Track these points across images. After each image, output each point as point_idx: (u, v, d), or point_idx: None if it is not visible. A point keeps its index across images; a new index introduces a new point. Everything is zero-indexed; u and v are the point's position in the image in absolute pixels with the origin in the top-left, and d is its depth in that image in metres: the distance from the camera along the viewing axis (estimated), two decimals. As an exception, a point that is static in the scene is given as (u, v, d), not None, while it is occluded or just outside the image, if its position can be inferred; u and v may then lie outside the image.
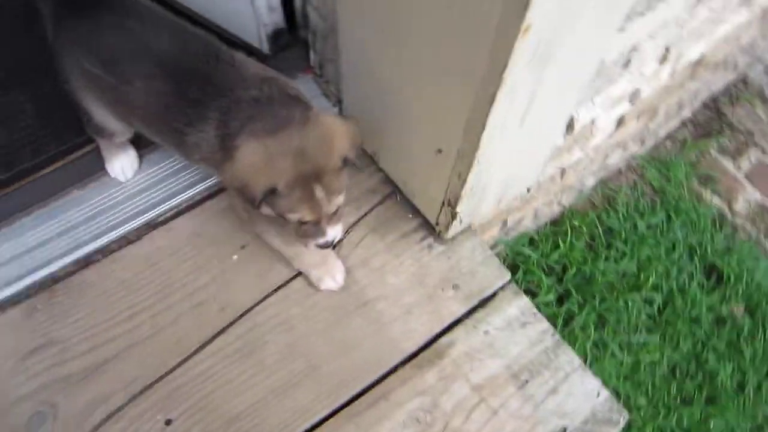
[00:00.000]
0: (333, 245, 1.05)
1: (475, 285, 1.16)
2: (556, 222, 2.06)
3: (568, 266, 1.91)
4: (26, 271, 1.13)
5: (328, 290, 1.14)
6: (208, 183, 1.22)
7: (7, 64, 1.14)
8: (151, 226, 1.20)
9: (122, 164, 1.21)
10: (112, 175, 1.22)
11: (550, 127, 1.11)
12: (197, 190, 1.22)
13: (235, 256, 1.18)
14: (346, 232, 1.20)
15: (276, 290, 1.15)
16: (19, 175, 1.22)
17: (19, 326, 1.11)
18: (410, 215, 1.23)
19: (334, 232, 1.00)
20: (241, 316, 1.13)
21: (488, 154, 0.92)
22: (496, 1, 0.69)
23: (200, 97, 0.93)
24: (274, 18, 1.24)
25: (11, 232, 1.16)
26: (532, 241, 1.97)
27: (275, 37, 1.28)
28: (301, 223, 0.97)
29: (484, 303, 1.16)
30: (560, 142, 1.42)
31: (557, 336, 1.12)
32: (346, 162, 0.94)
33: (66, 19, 0.99)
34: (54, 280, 1.14)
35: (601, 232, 2.01)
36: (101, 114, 1.07)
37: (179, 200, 1.21)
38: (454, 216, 1.09)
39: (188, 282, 1.15)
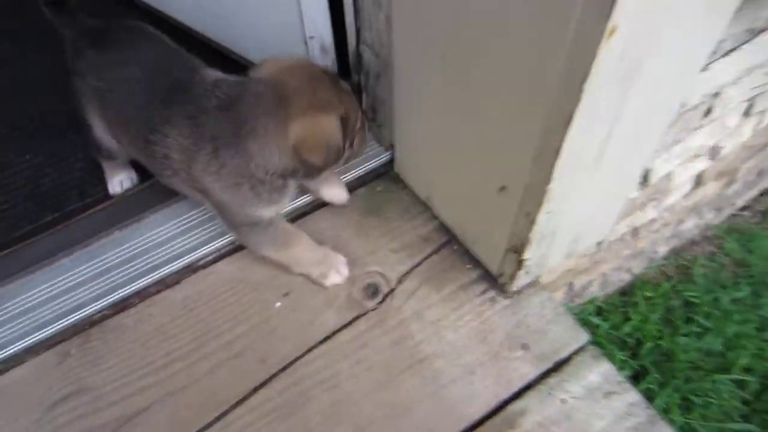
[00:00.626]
0: None
1: (547, 345, 1.02)
2: (625, 292, 1.91)
3: (643, 340, 1.73)
4: (63, 313, 1.08)
5: (335, 285, 1.09)
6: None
7: (66, 108, 1.15)
8: (191, 269, 1.14)
9: (121, 179, 1.22)
10: (111, 192, 1.22)
11: (627, 171, 1.00)
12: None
13: (278, 304, 1.09)
14: (399, 281, 1.10)
15: (321, 342, 1.05)
16: (65, 216, 1.20)
17: (50, 371, 1.04)
18: (469, 265, 1.12)
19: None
20: (283, 369, 1.02)
21: (561, 188, 0.82)
22: (576, -1, 0.62)
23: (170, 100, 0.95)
24: (326, 61, 1.22)
25: (51, 272, 1.12)
26: (599, 311, 1.81)
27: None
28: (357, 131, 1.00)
29: (558, 366, 1.01)
30: (634, 194, 1.31)
31: (652, 410, 0.94)
32: None
33: (83, 48, 1.05)
34: (90, 323, 1.08)
35: (678, 305, 1.83)
36: (99, 130, 1.09)
37: (220, 244, 1.15)
38: (520, 265, 0.98)
39: (226, 330, 1.07)
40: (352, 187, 1.22)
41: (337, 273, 1.09)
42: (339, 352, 1.03)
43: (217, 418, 0.97)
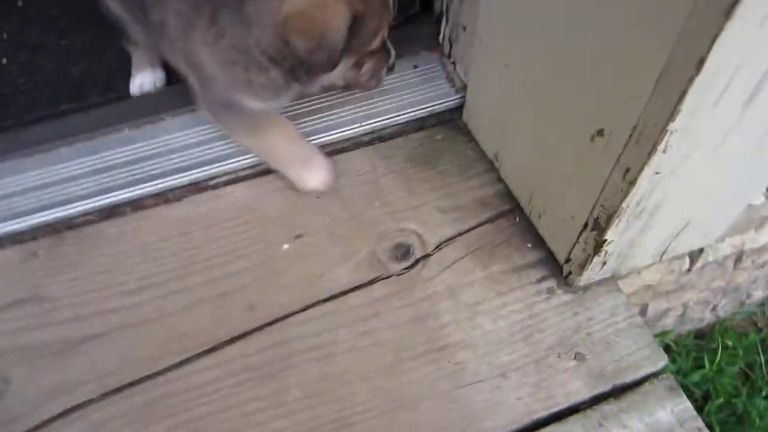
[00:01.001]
0: None
1: (610, 361, 0.77)
2: (702, 334, 1.62)
3: (714, 394, 1.46)
4: (42, 206, 0.92)
5: (313, 190, 0.93)
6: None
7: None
8: (198, 188, 0.95)
9: (144, 79, 1.09)
10: (131, 91, 1.09)
11: (760, 162, 0.73)
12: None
13: (286, 246, 0.90)
14: (438, 247, 0.88)
15: (326, 300, 0.84)
16: (81, 108, 1.06)
17: (10, 269, 0.88)
18: (529, 244, 0.88)
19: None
20: (272, 323, 0.83)
21: (684, 138, 0.58)
22: None
23: None
24: (407, -24, 1.01)
25: (45, 159, 0.97)
26: (668, 349, 1.53)
27: (403, 3, 1.05)
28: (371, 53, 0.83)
29: (620, 391, 0.76)
30: (758, 201, 1.02)
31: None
32: None
33: None
34: (69, 225, 0.92)
35: (762, 362, 1.53)
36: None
37: (237, 164, 0.96)
38: (597, 248, 0.73)
39: (218, 264, 0.88)
40: (406, 129, 1.01)
41: (314, 175, 0.92)
42: (344, 316, 0.82)
43: (177, 365, 0.79)
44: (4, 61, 1.14)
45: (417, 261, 0.87)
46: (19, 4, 1.23)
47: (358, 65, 0.84)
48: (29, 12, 1.22)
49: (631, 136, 0.61)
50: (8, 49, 1.16)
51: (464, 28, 0.94)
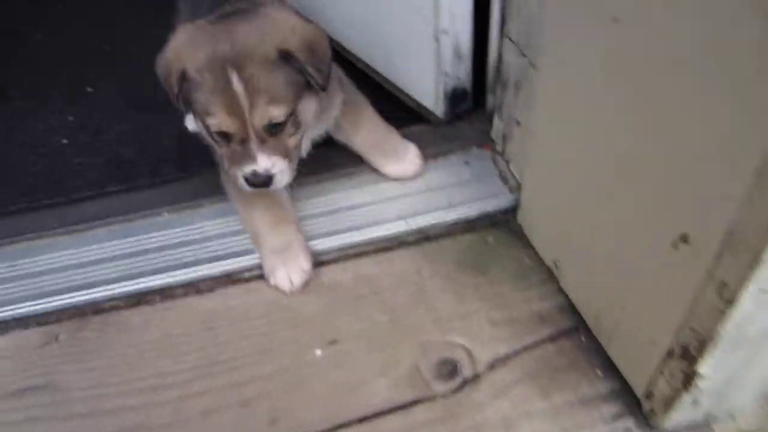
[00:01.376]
0: (267, 184, 0.78)
1: None
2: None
3: None
4: (70, 287, 0.88)
5: (281, 290, 0.86)
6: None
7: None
8: (231, 279, 0.89)
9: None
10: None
11: None
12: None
13: (318, 351, 0.81)
14: (491, 366, 0.77)
15: (359, 421, 0.73)
16: (128, 189, 1.04)
17: (28, 352, 0.83)
18: (599, 371, 0.75)
19: (267, 161, 0.76)
20: (294, 441, 0.72)
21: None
22: None
23: None
24: (459, 70, 0.98)
25: (80, 239, 0.94)
26: None
27: (455, 97, 1.02)
28: (227, 140, 0.77)
29: None
30: None
31: None
32: (286, 57, 0.73)
33: None
34: (94, 309, 0.87)
35: None
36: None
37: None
38: (687, 383, 0.61)
39: (244, 365, 0.79)
40: (454, 229, 0.94)
41: (285, 276, 0.85)
42: (377, 442, 0.71)
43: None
44: (65, 141, 1.16)
45: (465, 382, 0.75)
46: (89, 89, 1.28)
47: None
48: (96, 98, 1.26)
49: (724, 243, 0.51)
50: (71, 130, 1.19)
51: (519, 124, 0.89)
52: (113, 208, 0.98)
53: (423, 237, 0.93)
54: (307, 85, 0.77)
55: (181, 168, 1.08)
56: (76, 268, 0.90)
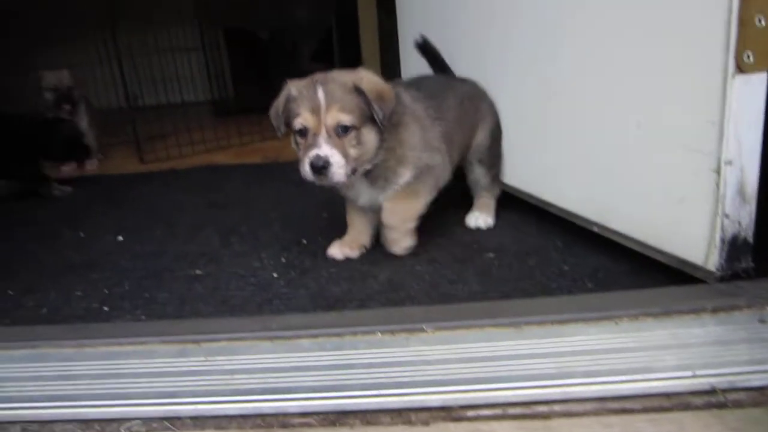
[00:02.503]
0: (325, 170, 1.02)
1: None
2: None
3: None
4: (268, 389, 0.74)
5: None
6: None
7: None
8: (451, 415, 0.69)
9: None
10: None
11: None
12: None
13: None
14: None
15: None
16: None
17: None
18: None
19: (328, 150, 1.01)
20: None
21: None
22: None
23: None
24: (742, 214, 0.83)
25: (285, 345, 0.83)
26: None
27: (734, 248, 0.84)
28: (305, 135, 1.04)
29: None
30: None
31: None
32: (359, 91, 1.02)
33: None
34: (283, 423, 0.70)
35: None
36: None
37: (512, 393, 0.70)
38: None
39: None
40: (722, 401, 0.67)
41: (338, 250, 1.21)
42: None
43: None
44: (275, 275, 1.15)
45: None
46: (303, 241, 1.32)
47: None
48: (308, 248, 1.29)
49: None
50: (282, 268, 1.19)
51: None
52: (324, 321, 0.88)
53: (717, 402, 0.68)
54: (371, 119, 1.04)
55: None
56: (277, 371, 0.77)
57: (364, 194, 1.14)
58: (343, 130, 1.02)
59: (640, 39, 0.92)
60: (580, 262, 1.10)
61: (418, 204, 1.14)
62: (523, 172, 1.33)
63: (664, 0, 0.87)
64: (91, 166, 2.50)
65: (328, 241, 1.30)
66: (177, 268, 1.23)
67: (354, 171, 1.06)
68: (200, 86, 3.83)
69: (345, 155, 1.02)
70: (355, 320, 0.88)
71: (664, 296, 0.89)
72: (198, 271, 1.20)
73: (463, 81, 1.34)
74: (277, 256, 1.26)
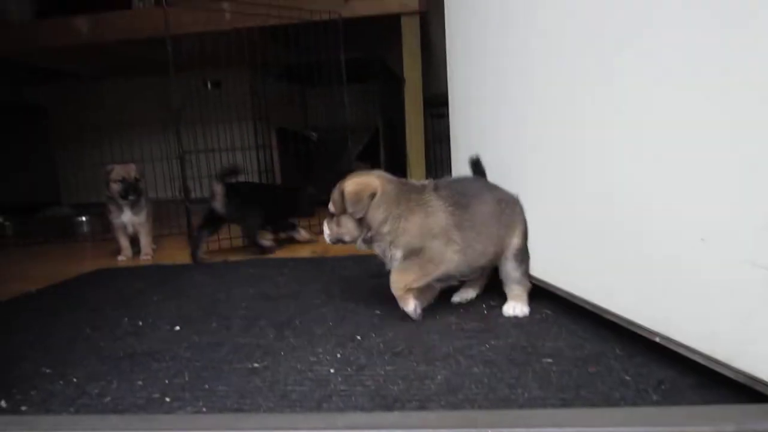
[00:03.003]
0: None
1: None
2: None
3: None
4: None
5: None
6: None
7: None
8: None
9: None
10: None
11: None
12: None
13: None
14: None
15: None
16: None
17: None
18: None
19: (324, 224, 1.53)
20: None
21: None
22: None
23: None
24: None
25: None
26: None
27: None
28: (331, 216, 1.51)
29: None
30: None
31: None
32: (341, 193, 1.46)
33: None
34: None
35: None
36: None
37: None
38: None
39: None
40: None
41: (405, 305, 1.45)
42: None
43: None
44: (332, 370, 1.16)
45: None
46: (358, 337, 1.33)
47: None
48: (363, 345, 1.30)
49: None
50: (339, 364, 1.19)
51: None
52: (388, 421, 0.87)
53: None
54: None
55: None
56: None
57: (388, 266, 1.48)
58: (329, 215, 1.49)
59: (708, 157, 0.96)
60: (643, 373, 1.08)
61: (407, 277, 1.41)
62: (580, 279, 1.35)
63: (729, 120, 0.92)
64: (146, 257, 2.61)
65: (383, 339, 1.32)
66: (235, 360, 1.25)
67: (339, 241, 1.50)
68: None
69: (330, 230, 1.50)
70: (419, 421, 0.88)
71: (737, 413, 0.87)
72: (255, 364, 1.22)
73: (499, 187, 1.55)
74: (333, 351, 1.27)
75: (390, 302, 1.46)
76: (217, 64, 2.79)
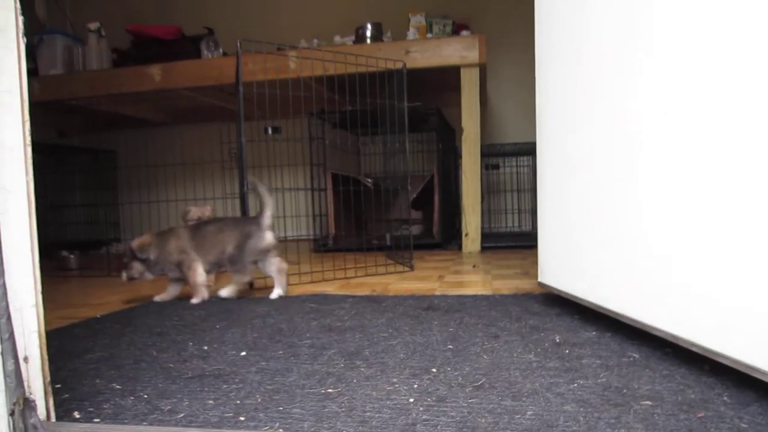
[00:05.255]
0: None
1: None
2: None
3: None
4: None
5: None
6: None
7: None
8: None
9: None
10: None
11: None
12: None
13: None
14: None
15: None
16: None
17: None
18: None
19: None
20: None
21: None
22: None
23: None
24: None
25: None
26: None
27: None
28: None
29: None
30: None
31: None
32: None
33: None
34: None
35: None
36: None
37: None
38: None
39: None
40: None
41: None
42: None
43: None
44: (411, 400, 1.09)
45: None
46: (433, 370, 1.26)
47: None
48: (438, 377, 1.22)
49: None
50: (418, 394, 1.12)
51: None
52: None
53: None
54: None
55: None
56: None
57: None
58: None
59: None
60: (762, 422, 0.97)
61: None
62: (684, 317, 1.25)
63: None
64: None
65: (460, 372, 1.25)
66: (307, 385, 1.20)
67: None
68: (304, 223, 4.06)
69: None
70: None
71: None
72: (330, 390, 1.16)
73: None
74: (409, 381, 1.20)
75: (462, 339, 1.39)
76: (280, 112, 2.86)
